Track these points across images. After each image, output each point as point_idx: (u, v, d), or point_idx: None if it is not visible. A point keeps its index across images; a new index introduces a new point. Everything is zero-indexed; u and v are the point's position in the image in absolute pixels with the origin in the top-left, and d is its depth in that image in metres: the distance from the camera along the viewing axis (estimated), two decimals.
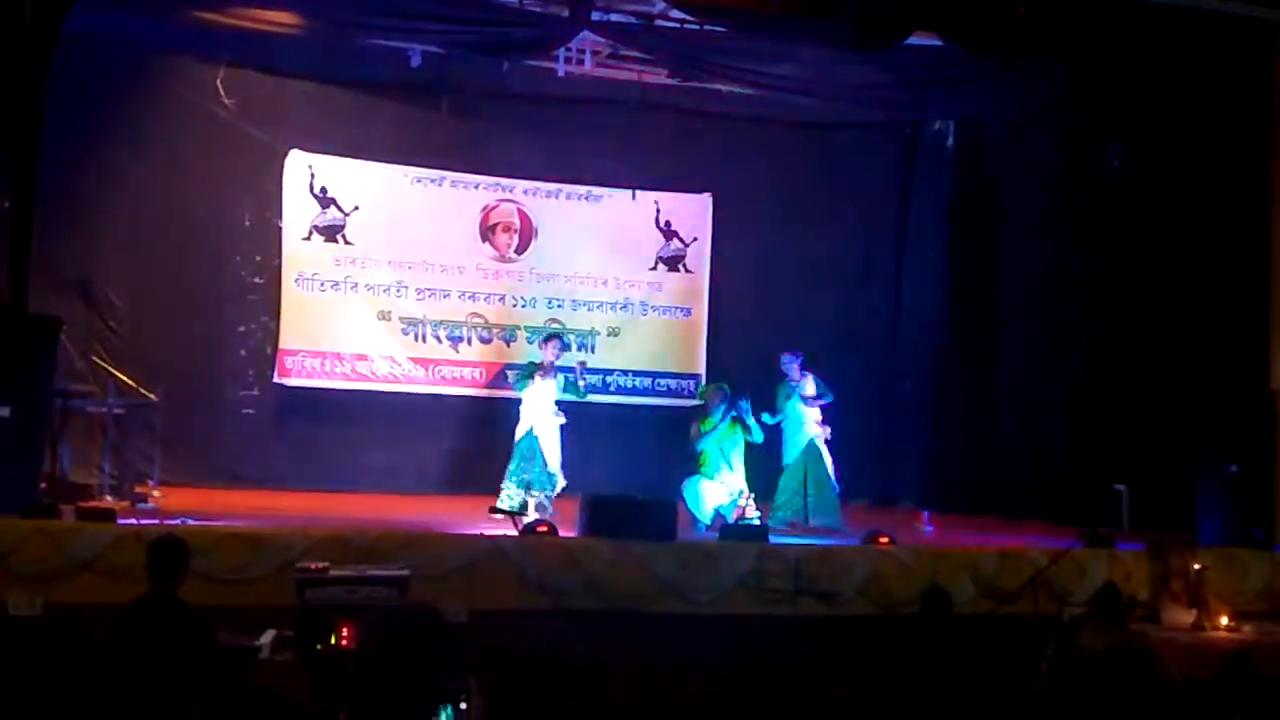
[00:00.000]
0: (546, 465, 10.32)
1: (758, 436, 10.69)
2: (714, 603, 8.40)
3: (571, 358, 13.06)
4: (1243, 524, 10.07)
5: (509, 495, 10.21)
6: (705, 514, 10.41)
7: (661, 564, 8.38)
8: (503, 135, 13.38)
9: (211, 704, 5.77)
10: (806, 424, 10.99)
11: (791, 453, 11.00)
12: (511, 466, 10.35)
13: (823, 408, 11.04)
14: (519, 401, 10.60)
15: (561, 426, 10.49)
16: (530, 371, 10.62)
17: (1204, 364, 11.07)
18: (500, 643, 7.43)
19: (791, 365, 11.12)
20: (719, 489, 10.49)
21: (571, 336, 13.50)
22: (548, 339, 10.90)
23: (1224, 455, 10.36)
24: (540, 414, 10.42)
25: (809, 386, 11.07)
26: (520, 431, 10.45)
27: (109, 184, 11.93)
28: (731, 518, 10.25)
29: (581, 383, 10.72)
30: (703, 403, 11.13)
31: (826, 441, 11.01)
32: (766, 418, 10.82)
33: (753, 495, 10.52)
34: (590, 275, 13.68)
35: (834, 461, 11.02)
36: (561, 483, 10.39)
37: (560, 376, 10.64)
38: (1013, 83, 11.62)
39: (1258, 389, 10.76)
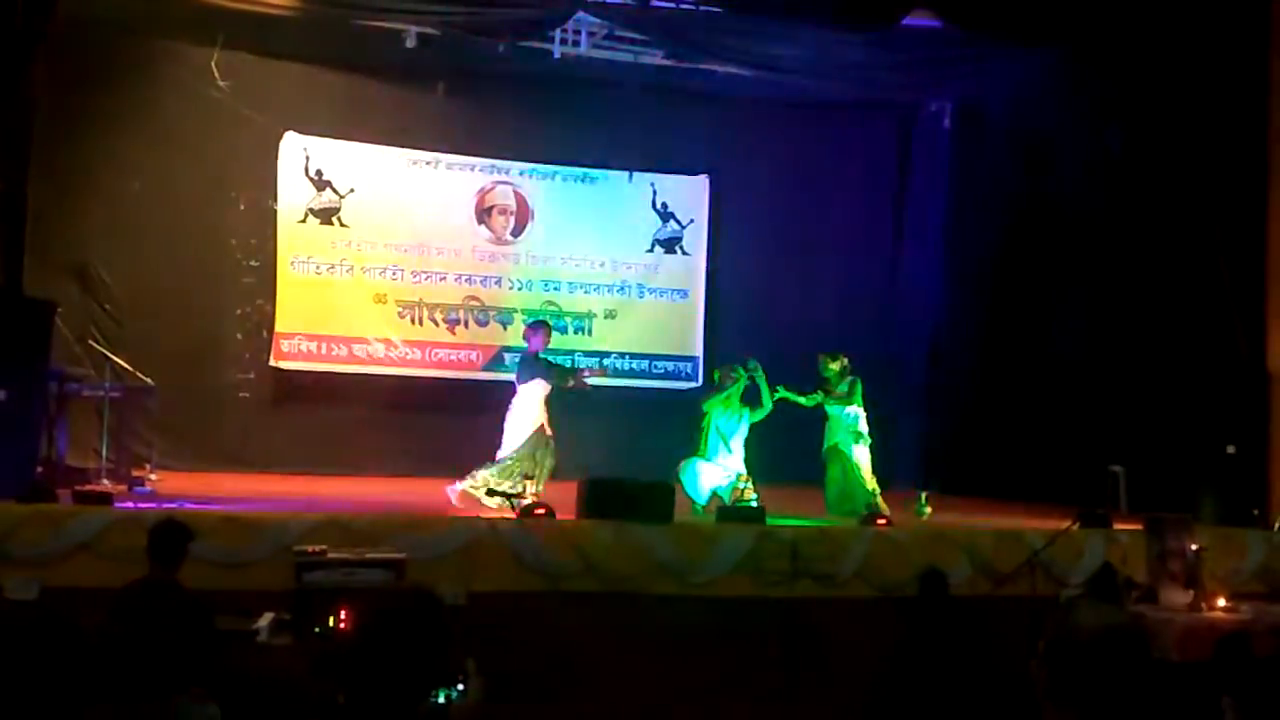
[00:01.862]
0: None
1: (767, 404, 10.62)
2: (711, 585, 8.41)
3: (571, 342, 13.13)
4: (1240, 504, 10.09)
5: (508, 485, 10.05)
6: (702, 495, 10.40)
7: (659, 546, 8.38)
8: (499, 117, 13.35)
9: (210, 687, 5.77)
10: (832, 427, 10.89)
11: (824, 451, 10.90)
12: (532, 466, 10.18)
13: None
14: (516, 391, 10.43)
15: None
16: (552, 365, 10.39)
17: (1201, 345, 11.07)
18: (498, 625, 7.44)
19: (828, 366, 10.92)
20: (716, 471, 10.48)
21: (568, 319, 13.52)
22: (539, 327, 10.56)
23: (1221, 436, 10.37)
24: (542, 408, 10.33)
25: (841, 389, 10.92)
26: (534, 426, 10.09)
27: (104, 167, 11.91)
28: (729, 499, 10.24)
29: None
30: (716, 382, 11.01)
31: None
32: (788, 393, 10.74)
33: (751, 478, 10.51)
34: (587, 257, 13.67)
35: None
36: None
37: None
38: (1010, 63, 11.60)
39: (1255, 369, 10.77)
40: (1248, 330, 10.85)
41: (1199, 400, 10.88)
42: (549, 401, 10.23)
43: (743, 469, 10.53)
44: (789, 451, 12.11)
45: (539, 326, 10.61)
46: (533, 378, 10.19)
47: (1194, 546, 8.57)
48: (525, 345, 10.63)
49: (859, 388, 10.82)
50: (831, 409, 10.81)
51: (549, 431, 10.17)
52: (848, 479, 10.66)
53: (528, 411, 10.16)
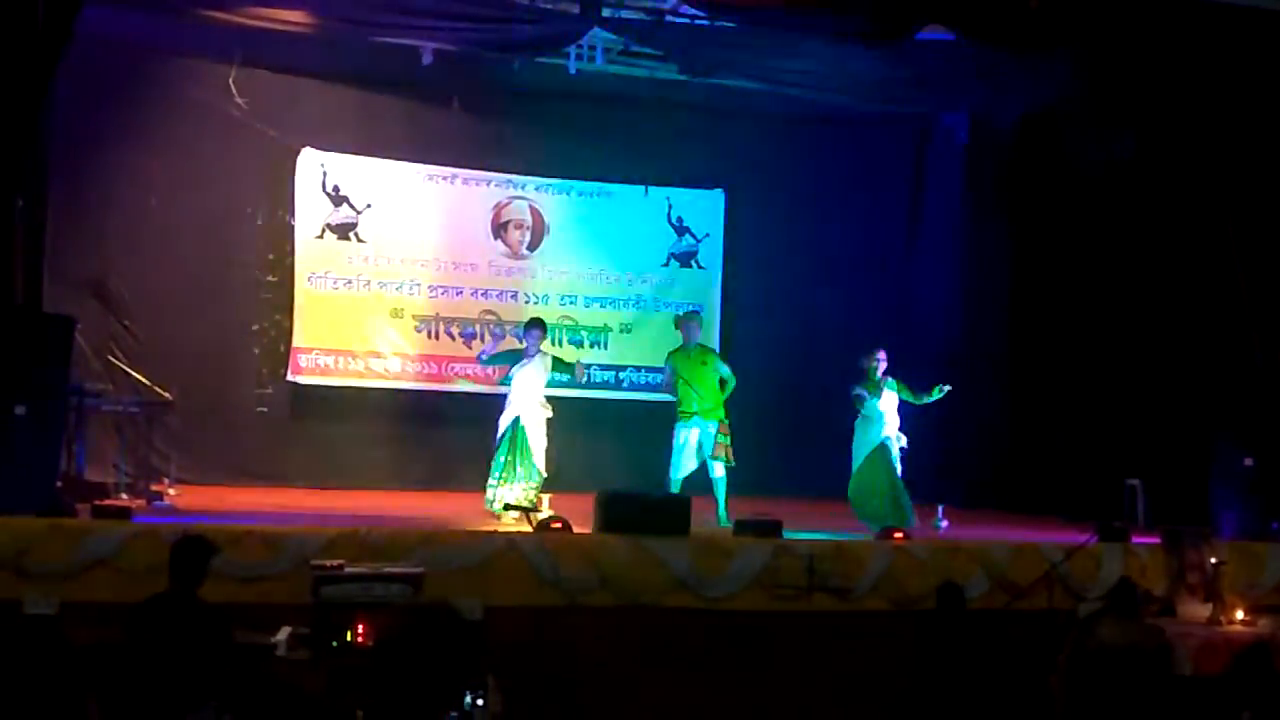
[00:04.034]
0: (531, 456, 10.29)
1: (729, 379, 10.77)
2: (728, 598, 8.40)
3: (587, 355, 13.19)
4: (1259, 517, 10.04)
5: (493, 485, 10.20)
6: (679, 465, 10.56)
7: (675, 560, 8.37)
8: (514, 132, 13.40)
9: (228, 701, 5.79)
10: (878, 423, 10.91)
11: (862, 452, 10.84)
12: (497, 457, 10.30)
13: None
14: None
15: (549, 419, 10.47)
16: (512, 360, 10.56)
17: (1219, 357, 11.03)
18: (515, 639, 7.44)
19: (883, 363, 10.89)
20: (692, 432, 10.56)
21: (584, 332, 13.56)
22: (530, 327, 10.70)
23: (1239, 448, 10.33)
24: (527, 401, 10.39)
25: (892, 387, 10.92)
26: (506, 419, 10.39)
27: (122, 184, 11.97)
28: (712, 452, 10.45)
29: (580, 373, 10.68)
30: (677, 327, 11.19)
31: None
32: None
33: (729, 425, 10.58)
34: (602, 272, 13.71)
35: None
36: (543, 476, 10.34)
37: (548, 358, 10.58)
38: (1025, 76, 11.57)
39: (1273, 382, 10.72)
40: (1265, 342, 10.82)
41: (1217, 413, 10.84)
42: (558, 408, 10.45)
43: (720, 416, 10.60)
44: (808, 465, 12.13)
45: (534, 324, 10.70)
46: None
47: (1212, 560, 8.55)
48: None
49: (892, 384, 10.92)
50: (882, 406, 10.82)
51: (525, 422, 10.27)
52: (895, 490, 10.66)
53: (509, 404, 10.42)
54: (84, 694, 5.69)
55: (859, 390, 10.75)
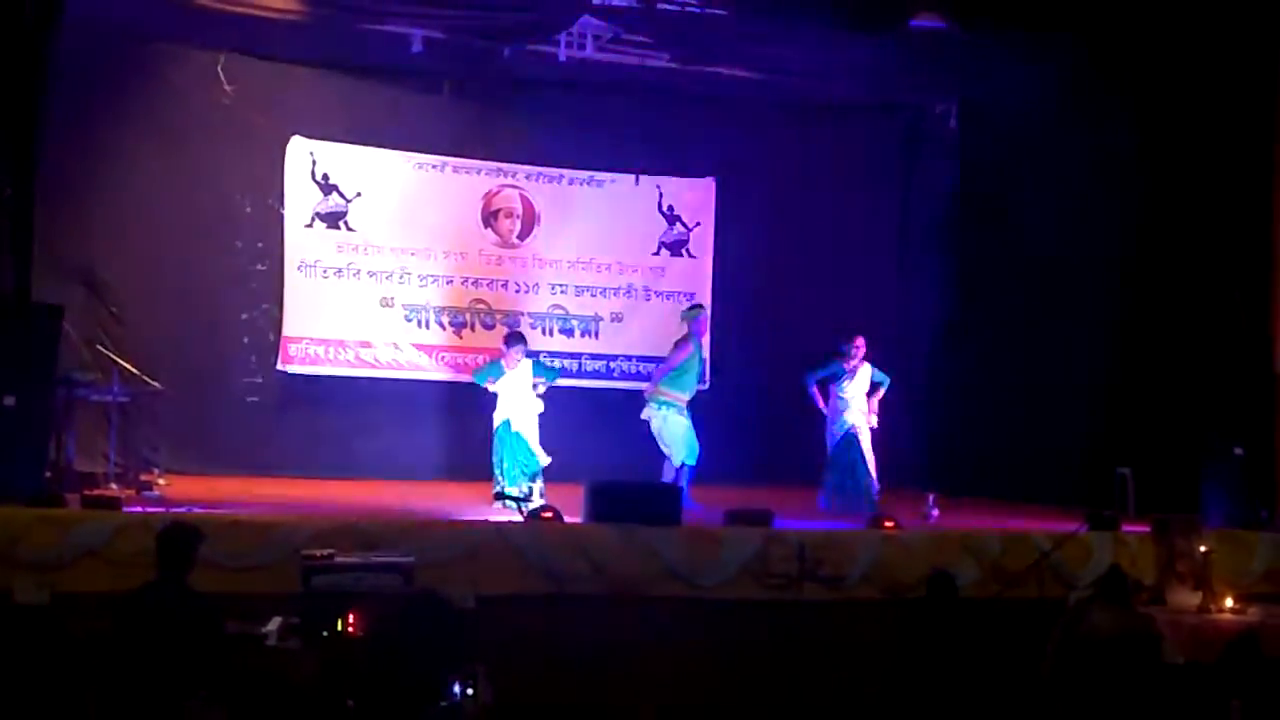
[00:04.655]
0: (525, 451, 10.35)
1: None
2: (719, 587, 8.41)
3: (578, 345, 13.20)
4: (1248, 506, 10.06)
5: (497, 483, 10.28)
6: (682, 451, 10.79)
7: (666, 549, 8.38)
8: (505, 120, 13.36)
9: (219, 691, 5.78)
10: (851, 410, 11.14)
11: (834, 438, 11.18)
12: (496, 459, 10.40)
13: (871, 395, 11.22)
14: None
15: (539, 414, 10.55)
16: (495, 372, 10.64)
17: (1209, 347, 11.04)
18: (505, 628, 7.44)
19: (860, 349, 11.13)
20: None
21: (575, 322, 13.54)
22: (510, 343, 10.74)
23: (1229, 438, 10.34)
24: (512, 404, 10.44)
25: (866, 372, 11.13)
26: (496, 422, 10.49)
27: (111, 172, 11.91)
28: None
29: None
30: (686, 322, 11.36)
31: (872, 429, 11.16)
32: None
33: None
34: (593, 261, 13.67)
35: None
36: (545, 461, 10.41)
37: (529, 361, 10.66)
38: (1017, 64, 11.57)
39: (1262, 371, 10.75)
40: (1254, 331, 10.83)
41: (1207, 402, 10.85)
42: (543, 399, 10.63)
43: None
44: (798, 454, 12.12)
45: (510, 342, 10.76)
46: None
47: (1202, 548, 8.57)
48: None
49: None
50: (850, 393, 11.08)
51: (517, 426, 10.38)
52: (855, 474, 10.82)
53: (498, 408, 10.53)
54: (83, 686, 5.69)
55: (828, 371, 11.13)
